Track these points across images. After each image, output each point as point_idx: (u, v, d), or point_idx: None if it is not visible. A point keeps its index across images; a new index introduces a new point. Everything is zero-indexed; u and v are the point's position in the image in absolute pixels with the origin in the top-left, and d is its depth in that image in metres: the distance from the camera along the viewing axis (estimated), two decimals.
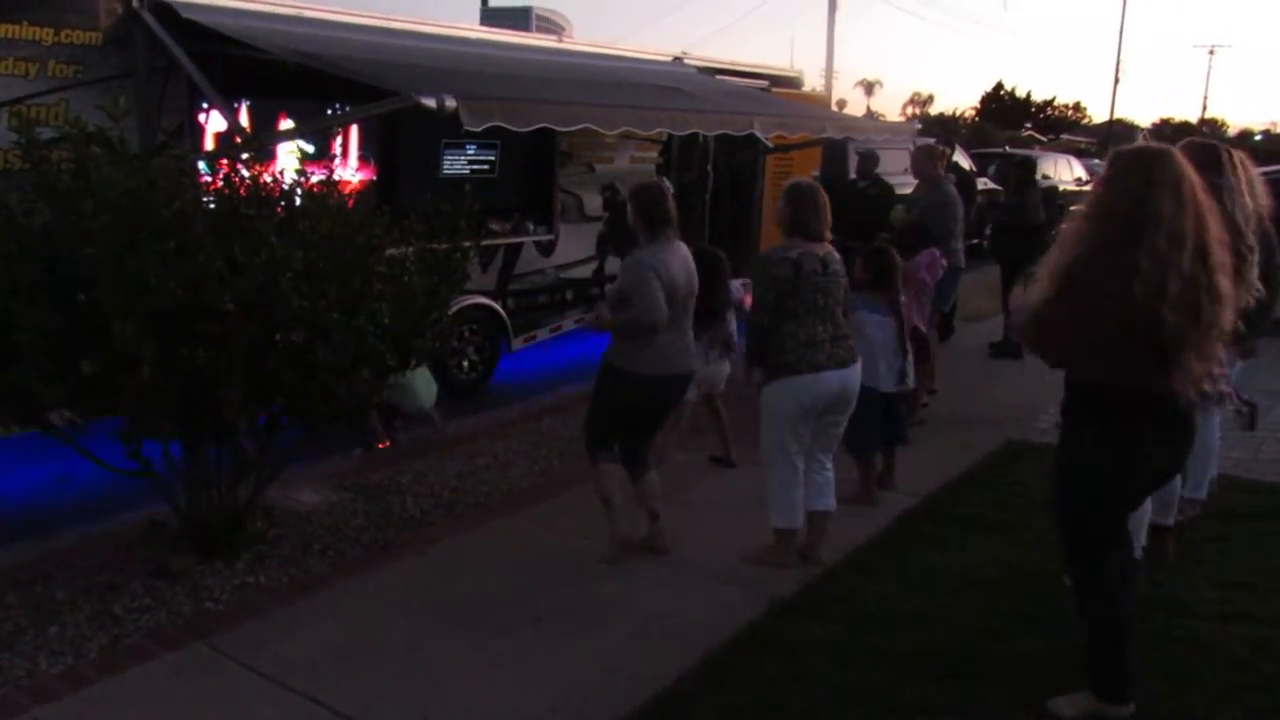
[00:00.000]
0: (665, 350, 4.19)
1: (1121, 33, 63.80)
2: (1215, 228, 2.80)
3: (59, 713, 3.19)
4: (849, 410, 4.25)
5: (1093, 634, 3.11)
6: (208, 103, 5.47)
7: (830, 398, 4.14)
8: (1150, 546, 4.10)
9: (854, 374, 4.21)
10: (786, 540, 4.25)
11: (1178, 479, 4.00)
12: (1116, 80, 50.07)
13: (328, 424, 4.35)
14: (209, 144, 5.79)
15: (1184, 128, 52.55)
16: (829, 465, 4.33)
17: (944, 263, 6.38)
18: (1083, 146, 37.37)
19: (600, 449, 4.33)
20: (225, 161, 4.15)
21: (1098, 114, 59.59)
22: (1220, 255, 2.78)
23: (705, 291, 5.11)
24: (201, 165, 4.57)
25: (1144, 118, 77.28)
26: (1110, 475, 2.98)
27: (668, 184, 4.40)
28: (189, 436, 4.10)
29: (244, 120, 5.81)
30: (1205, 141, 3.95)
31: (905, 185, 8.25)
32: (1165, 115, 65.09)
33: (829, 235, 4.19)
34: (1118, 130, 44.29)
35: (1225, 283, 2.78)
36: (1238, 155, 3.84)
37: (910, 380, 5.21)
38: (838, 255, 4.22)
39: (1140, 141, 3.35)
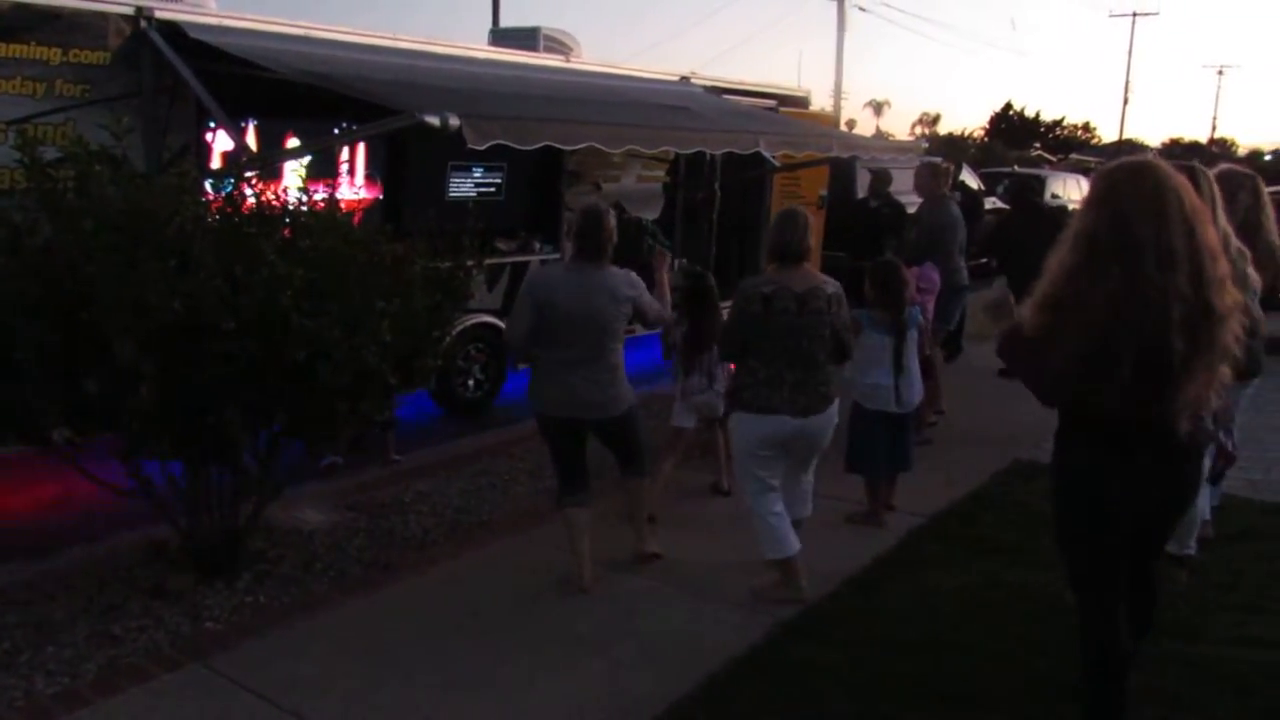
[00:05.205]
0: (542, 383, 4.16)
1: (1130, 53, 64.08)
2: (1209, 240, 2.64)
3: None
4: (817, 449, 4.10)
5: (1083, 666, 2.98)
6: (215, 122, 5.48)
7: (784, 439, 3.97)
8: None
9: (816, 423, 3.97)
10: (785, 570, 4.09)
11: (1199, 506, 3.88)
12: (1125, 100, 50.48)
13: (329, 443, 4.31)
14: (216, 163, 5.80)
15: (1193, 147, 52.44)
16: (807, 477, 4.23)
17: (935, 278, 6.32)
18: (1091, 166, 37.15)
19: (560, 490, 4.30)
20: (241, 180, 4.14)
21: (1107, 134, 59.57)
22: (1213, 270, 2.61)
23: (694, 319, 5.05)
24: (208, 184, 4.57)
25: (1153, 137, 77.15)
26: (1088, 504, 2.84)
27: (610, 210, 4.21)
28: (189, 455, 4.08)
29: (251, 139, 5.83)
30: (1180, 164, 3.86)
31: (916, 204, 8.25)
32: (1175, 135, 65.00)
33: (812, 256, 4.00)
34: (1126, 150, 44.17)
35: (1222, 300, 2.61)
36: (1207, 178, 3.62)
37: (908, 401, 4.98)
38: (827, 290, 3.94)
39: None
